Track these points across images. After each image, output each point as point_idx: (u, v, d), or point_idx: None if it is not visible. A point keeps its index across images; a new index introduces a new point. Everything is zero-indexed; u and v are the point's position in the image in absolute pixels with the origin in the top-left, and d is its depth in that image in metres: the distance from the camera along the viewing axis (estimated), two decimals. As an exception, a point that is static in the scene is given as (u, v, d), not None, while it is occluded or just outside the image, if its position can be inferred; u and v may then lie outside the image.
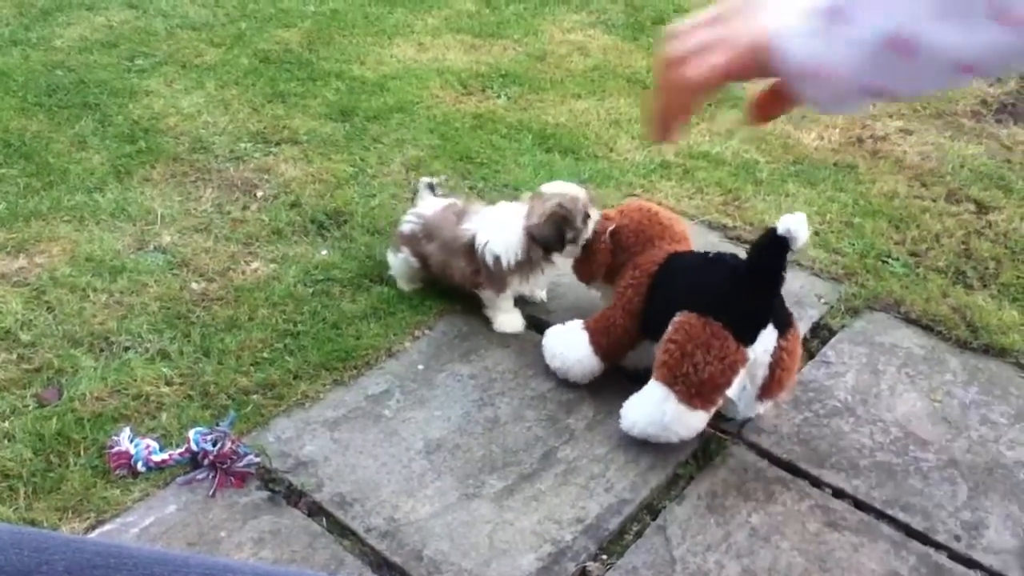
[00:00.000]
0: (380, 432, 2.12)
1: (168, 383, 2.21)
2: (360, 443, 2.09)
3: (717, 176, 3.28)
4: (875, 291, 2.67)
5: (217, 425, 2.04)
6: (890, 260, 2.82)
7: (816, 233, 2.93)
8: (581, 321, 2.29)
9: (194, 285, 2.55)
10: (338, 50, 4.17)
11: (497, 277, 2.40)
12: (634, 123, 3.68)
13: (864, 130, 3.65)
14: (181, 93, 3.69)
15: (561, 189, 2.40)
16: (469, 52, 4.27)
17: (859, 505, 2.01)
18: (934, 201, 3.16)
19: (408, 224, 2.51)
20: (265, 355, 2.31)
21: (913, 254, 2.87)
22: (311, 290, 2.56)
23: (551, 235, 2.33)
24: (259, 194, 3.02)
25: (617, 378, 2.30)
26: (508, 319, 2.49)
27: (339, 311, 2.48)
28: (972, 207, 3.14)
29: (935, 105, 3.91)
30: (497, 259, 2.38)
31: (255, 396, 2.18)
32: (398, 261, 2.55)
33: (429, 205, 2.54)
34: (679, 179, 3.26)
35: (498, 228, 2.40)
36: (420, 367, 2.33)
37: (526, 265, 2.39)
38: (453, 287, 2.52)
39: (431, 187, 2.61)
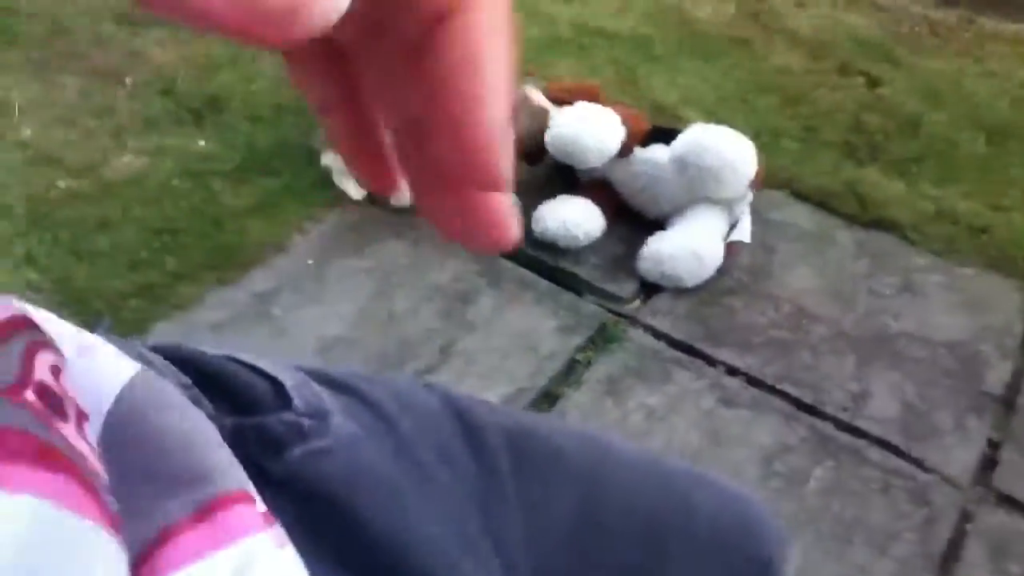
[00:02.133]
0: (269, 332, 2.05)
1: (37, 290, 2.06)
2: (249, 345, 1.99)
3: (613, 53, 3.20)
4: (769, 169, 2.67)
5: (92, 331, 1.92)
6: (783, 137, 2.82)
7: (711, 111, 2.90)
8: None
9: (60, 183, 2.37)
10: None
11: None
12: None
13: (759, 3, 3.60)
14: (32, -31, 3.36)
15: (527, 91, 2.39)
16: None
17: (752, 381, 2.06)
18: (826, 75, 3.16)
19: None
20: (142, 255, 2.18)
21: (806, 129, 2.88)
22: (189, 184, 2.41)
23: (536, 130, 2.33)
24: (128, 81, 2.80)
25: (514, 271, 2.27)
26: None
27: (221, 206, 2.34)
28: (863, 81, 3.15)
29: (828, -24, 3.87)
30: None
31: (133, 300, 2.06)
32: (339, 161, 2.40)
33: None
34: (575, 56, 3.17)
35: None
36: (310, 262, 2.24)
37: None
38: None
39: None
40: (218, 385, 0.56)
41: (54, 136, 2.53)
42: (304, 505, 0.53)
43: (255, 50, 2.93)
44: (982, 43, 3.44)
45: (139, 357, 0.49)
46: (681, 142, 2.27)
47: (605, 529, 0.75)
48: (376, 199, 2.43)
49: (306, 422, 0.56)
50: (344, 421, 0.59)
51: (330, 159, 2.40)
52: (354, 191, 2.40)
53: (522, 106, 2.35)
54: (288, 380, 0.59)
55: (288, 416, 0.56)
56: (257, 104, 2.73)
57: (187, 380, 0.54)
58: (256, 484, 0.47)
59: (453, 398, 0.73)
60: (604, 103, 2.42)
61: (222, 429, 0.48)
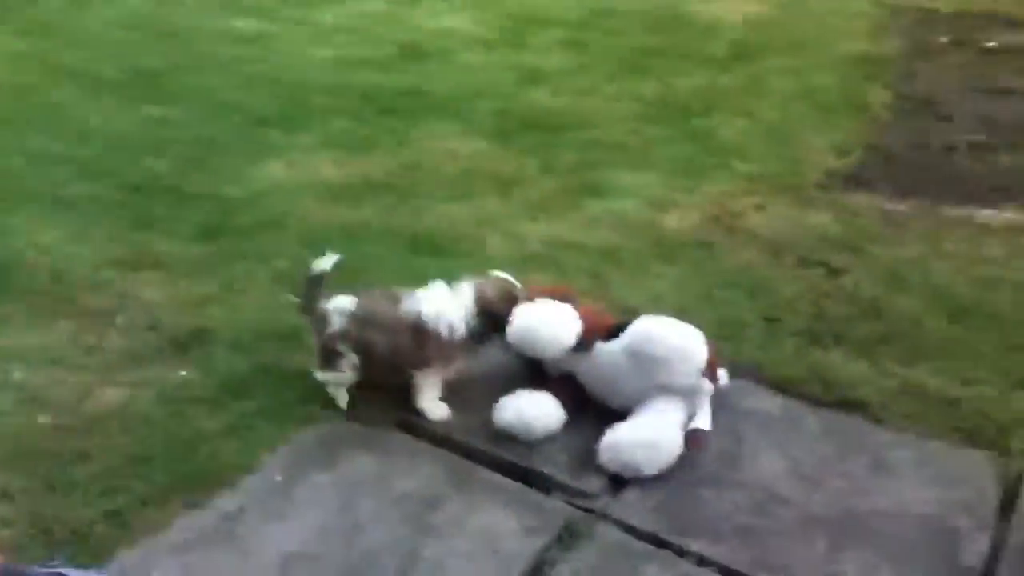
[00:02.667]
0: (233, 552, 2.05)
1: (7, 524, 2.10)
2: (211, 566, 2.01)
3: (584, 263, 3.37)
4: (733, 358, 2.73)
5: (52, 560, 1.94)
6: (747, 327, 2.91)
7: (677, 308, 3.00)
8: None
9: (41, 419, 2.47)
10: (209, 173, 4.19)
11: (446, 348, 2.45)
12: (502, 220, 3.77)
13: (721, 209, 3.81)
14: (42, 228, 3.63)
15: (499, 277, 2.59)
16: (341, 166, 4.34)
17: (723, 571, 2.02)
18: (787, 269, 3.29)
19: (337, 321, 2.47)
20: (113, 483, 2.23)
21: (768, 319, 2.96)
22: (167, 411, 2.50)
23: (505, 311, 2.44)
24: (118, 320, 2.97)
25: (481, 473, 2.30)
26: (440, 407, 2.52)
27: (195, 430, 2.42)
28: (822, 271, 3.27)
29: (787, 179, 4.11)
30: (451, 327, 2.43)
31: (99, 527, 2.09)
32: (337, 371, 2.51)
33: (345, 302, 2.51)
34: (546, 269, 3.33)
35: (445, 302, 2.47)
36: (278, 479, 2.28)
37: (472, 340, 2.47)
38: (379, 383, 2.55)
39: (319, 279, 2.54)
40: None
41: (43, 376, 2.66)
42: None
43: (241, 284, 3.12)
44: (939, 229, 3.59)
45: None
46: (629, 333, 2.37)
47: None
48: (355, 414, 2.51)
49: None
50: None
51: (325, 375, 2.53)
52: (343, 402, 2.53)
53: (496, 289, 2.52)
54: None
55: None
56: (240, 332, 2.87)
57: None
58: None
59: None
60: (577, 303, 2.55)
61: None
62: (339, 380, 2.53)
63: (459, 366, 2.54)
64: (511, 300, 2.49)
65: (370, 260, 3.38)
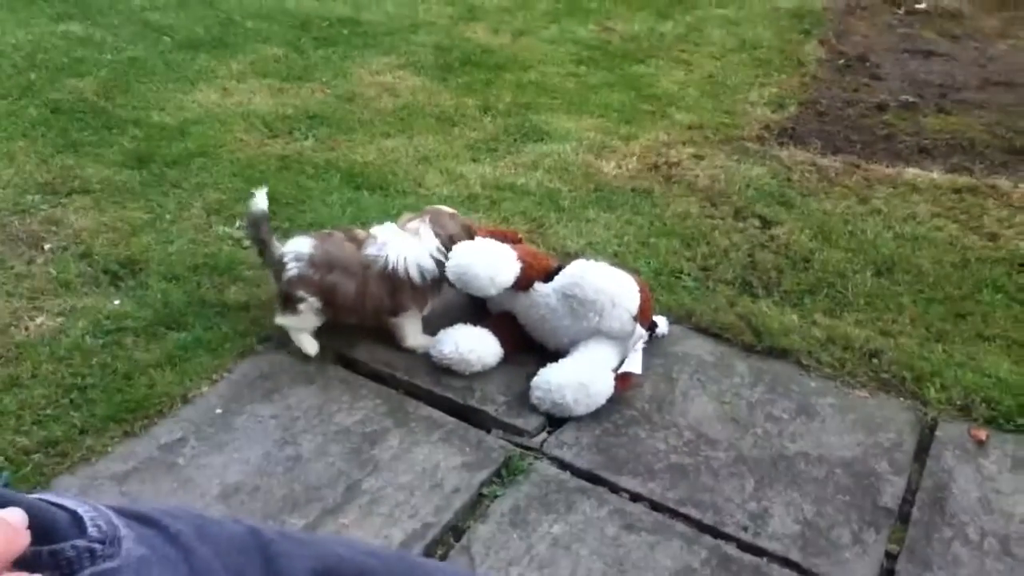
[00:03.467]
0: (173, 481, 2.04)
1: (-63, 450, 2.05)
2: (151, 494, 2.00)
3: (523, 206, 3.38)
4: (669, 305, 2.80)
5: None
6: (682, 275, 2.97)
7: (615, 254, 3.05)
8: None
9: (-32, 345, 2.40)
10: (136, 97, 4.05)
11: (420, 292, 2.44)
12: (442, 159, 3.74)
13: (659, 157, 3.85)
14: (-40, 147, 3.48)
15: (443, 209, 2.59)
16: (276, 95, 4.24)
17: (655, 506, 2.09)
18: (722, 219, 3.36)
19: (293, 268, 2.39)
20: (48, 412, 2.19)
21: (703, 268, 3.03)
22: (101, 341, 2.45)
23: None
24: (46, 246, 2.87)
25: (422, 410, 2.33)
26: (426, 338, 2.51)
27: (131, 361, 2.38)
28: (757, 223, 3.35)
29: (724, 131, 4.17)
30: (420, 269, 2.41)
31: (36, 455, 2.06)
32: (300, 315, 2.43)
33: (300, 243, 2.43)
34: (486, 210, 3.33)
35: (410, 244, 2.44)
36: (218, 411, 2.26)
37: (440, 276, 2.46)
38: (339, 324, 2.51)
39: (260, 218, 2.45)
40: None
41: (-32, 301, 2.57)
42: None
43: (173, 215, 3.05)
44: (868, 185, 3.70)
45: None
46: (562, 275, 2.42)
47: None
48: (294, 347, 2.49)
49: (98, 547, 0.64)
50: (135, 546, 0.67)
51: (286, 320, 2.47)
52: (310, 347, 2.48)
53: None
54: (85, 512, 0.66)
55: (81, 542, 0.63)
56: (173, 264, 2.81)
57: None
58: None
59: (260, 531, 0.80)
60: (519, 244, 2.58)
61: (21, 556, 0.56)
62: (301, 325, 2.47)
63: (433, 303, 2.54)
64: (471, 235, 2.50)
65: (307, 193, 3.33)
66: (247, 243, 2.97)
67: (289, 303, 2.42)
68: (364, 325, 2.52)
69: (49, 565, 0.61)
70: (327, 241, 2.45)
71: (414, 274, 2.41)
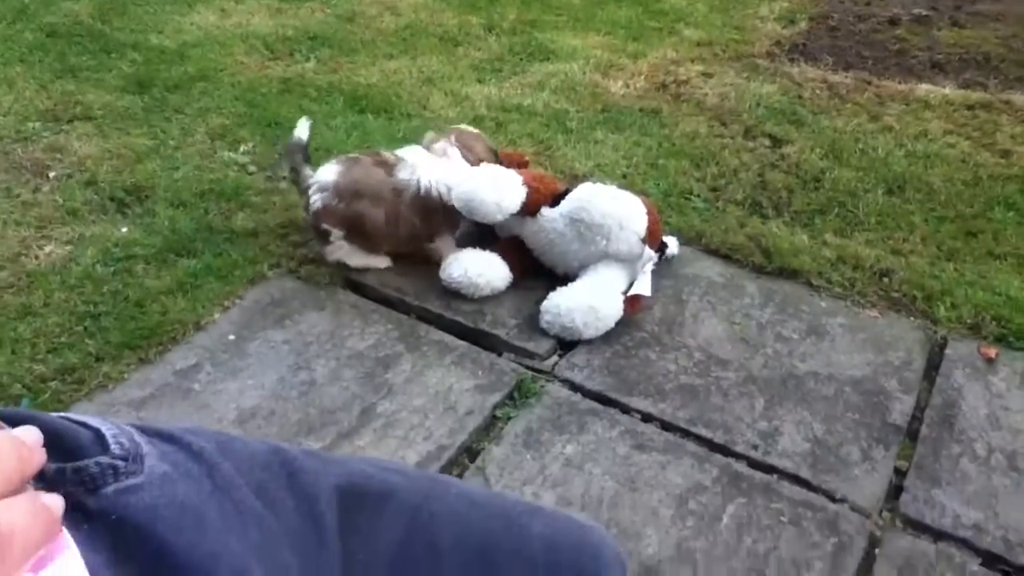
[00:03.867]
0: (190, 406, 2.07)
1: (-46, 378, 2.07)
2: (168, 419, 2.02)
3: (529, 127, 3.34)
4: (678, 227, 2.79)
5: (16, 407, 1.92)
6: (692, 196, 2.95)
7: (624, 176, 3.03)
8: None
9: (-21, 274, 2.40)
10: (133, 20, 3.97)
11: (452, 215, 2.42)
12: (447, 80, 3.69)
13: (667, 75, 3.78)
14: (-42, 73, 3.42)
15: (469, 129, 2.59)
16: (275, 16, 4.16)
17: (665, 426, 2.12)
18: (732, 139, 3.32)
19: (317, 199, 2.35)
20: (63, 340, 2.20)
21: (713, 189, 3.01)
22: (111, 269, 2.45)
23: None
24: (51, 174, 2.85)
25: (433, 334, 2.33)
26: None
27: (142, 288, 2.38)
28: (767, 142, 3.31)
29: (733, 48, 4.09)
30: (451, 192, 2.39)
31: (53, 383, 2.08)
32: (333, 246, 2.43)
33: (326, 172, 2.39)
34: (492, 132, 3.29)
35: (442, 169, 2.42)
36: (231, 337, 2.28)
37: None
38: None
39: (298, 147, 2.46)
40: (48, 437, 0.64)
41: (-25, 230, 2.57)
42: (117, 533, 0.62)
43: (177, 140, 3.02)
44: (880, 102, 3.64)
45: None
46: (569, 199, 2.40)
47: (436, 552, 0.82)
48: (303, 272, 2.49)
49: (121, 463, 0.65)
50: (158, 463, 0.68)
51: (324, 251, 2.47)
52: (380, 262, 2.51)
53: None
54: (107, 430, 0.67)
55: (104, 459, 0.64)
56: (179, 190, 2.79)
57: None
58: (75, 517, 0.57)
59: (283, 449, 0.81)
60: (526, 168, 2.57)
61: (42, 473, 0.57)
62: (343, 257, 2.46)
63: (464, 225, 2.53)
64: (495, 155, 2.49)
65: (311, 116, 3.28)
66: (252, 168, 2.95)
67: (319, 236, 2.41)
68: (398, 252, 2.51)
69: (73, 481, 0.62)
70: (354, 168, 2.41)
71: (447, 197, 2.39)
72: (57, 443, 0.64)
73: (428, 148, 2.49)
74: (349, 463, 0.87)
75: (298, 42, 3.90)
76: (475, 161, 2.46)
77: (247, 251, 2.55)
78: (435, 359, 2.26)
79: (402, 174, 2.40)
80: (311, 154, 2.53)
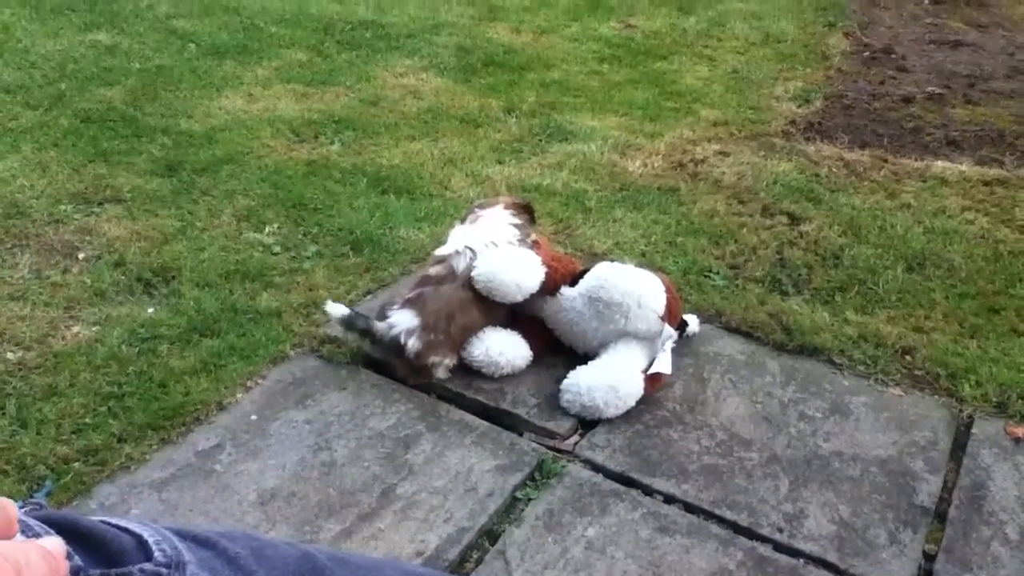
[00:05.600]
0: (211, 488, 2.07)
1: (-21, 460, 2.09)
2: (190, 501, 2.03)
3: (549, 207, 3.38)
4: (698, 304, 2.80)
5: (31, 497, 1.94)
6: (711, 274, 2.97)
7: (643, 254, 3.05)
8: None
9: (9, 355, 2.43)
10: (164, 105, 4.09)
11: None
12: (468, 161, 3.76)
13: (685, 155, 3.84)
14: (-6, 158, 3.53)
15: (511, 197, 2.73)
16: (300, 100, 4.27)
17: (688, 508, 2.09)
18: (750, 216, 3.35)
19: (414, 343, 2.37)
20: (87, 420, 2.22)
21: (732, 267, 3.02)
22: (136, 350, 2.48)
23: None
24: (80, 256, 2.91)
25: (454, 414, 2.34)
26: None
27: (166, 369, 2.41)
28: (785, 220, 3.34)
29: (749, 127, 4.15)
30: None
31: (76, 464, 2.09)
32: (437, 374, 2.46)
33: (403, 317, 2.39)
34: (512, 212, 3.33)
35: (485, 238, 2.53)
36: (253, 417, 2.29)
37: None
38: None
39: (351, 319, 2.43)
40: (89, 542, 0.66)
41: (5, 311, 2.61)
42: None
43: (204, 222, 3.08)
44: (897, 180, 3.67)
45: (20, 524, 0.59)
46: (587, 278, 2.42)
47: None
48: (325, 352, 2.51)
49: (164, 571, 0.66)
50: (199, 571, 0.69)
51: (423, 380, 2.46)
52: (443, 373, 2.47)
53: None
54: (150, 536, 0.68)
55: (148, 566, 0.65)
56: (205, 271, 2.84)
57: (60, 539, 0.63)
58: None
59: (313, 556, 0.82)
60: (547, 249, 2.61)
61: None
62: (445, 374, 2.47)
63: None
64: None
65: (334, 199, 3.35)
66: (277, 249, 3.00)
67: (424, 373, 2.42)
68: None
69: None
70: (420, 297, 2.42)
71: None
72: (100, 548, 0.65)
73: (470, 220, 2.62)
74: (376, 570, 0.87)
75: (323, 125, 4.00)
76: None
77: (270, 331, 2.58)
78: (456, 439, 2.25)
79: (459, 262, 2.45)
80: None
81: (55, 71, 4.38)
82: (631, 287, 2.38)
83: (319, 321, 2.64)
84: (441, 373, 2.44)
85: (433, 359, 2.40)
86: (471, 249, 2.47)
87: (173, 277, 2.82)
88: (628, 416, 2.35)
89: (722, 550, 1.98)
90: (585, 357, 2.46)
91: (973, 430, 2.34)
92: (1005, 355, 2.59)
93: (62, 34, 4.86)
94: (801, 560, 1.97)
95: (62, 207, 3.18)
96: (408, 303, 2.42)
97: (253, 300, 2.72)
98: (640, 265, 2.52)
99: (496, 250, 2.46)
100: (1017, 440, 2.30)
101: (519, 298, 2.42)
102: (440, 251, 2.52)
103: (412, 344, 2.36)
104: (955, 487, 2.17)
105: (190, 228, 3.10)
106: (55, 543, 0.56)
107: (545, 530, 2.01)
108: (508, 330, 2.51)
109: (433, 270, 2.47)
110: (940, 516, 2.10)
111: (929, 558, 1.99)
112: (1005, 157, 3.84)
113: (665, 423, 2.35)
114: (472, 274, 2.42)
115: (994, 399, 2.43)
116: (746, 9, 6.01)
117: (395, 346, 2.38)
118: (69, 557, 0.62)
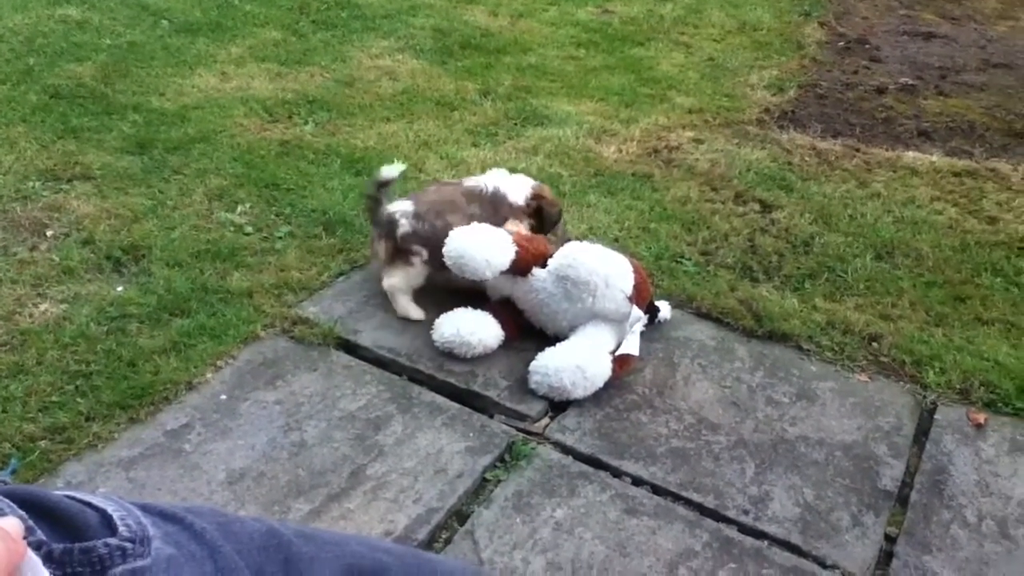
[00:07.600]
0: (179, 467, 2.06)
1: (-57, 437, 2.07)
2: (158, 480, 2.02)
3: (523, 191, 3.37)
4: (669, 290, 2.81)
5: (-5, 474, 1.92)
6: (683, 260, 2.98)
7: (616, 239, 3.06)
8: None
9: (-27, 332, 2.41)
10: (135, 82, 4.04)
11: (519, 210, 2.70)
12: (442, 144, 3.74)
13: (659, 141, 3.85)
14: (-40, 133, 3.47)
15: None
16: (275, 80, 4.23)
17: (656, 490, 2.11)
18: (723, 203, 3.37)
19: (405, 224, 2.57)
20: (54, 399, 2.20)
21: (704, 253, 3.04)
22: (105, 328, 2.46)
23: (551, 215, 2.79)
24: (49, 233, 2.88)
25: (424, 395, 2.34)
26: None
27: (135, 348, 2.39)
28: (757, 207, 3.36)
29: (724, 115, 4.17)
30: (519, 193, 2.72)
31: (42, 442, 2.07)
32: (413, 268, 2.60)
33: (406, 204, 2.61)
34: (486, 195, 3.33)
35: (510, 177, 2.77)
36: (223, 397, 2.28)
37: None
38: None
39: (386, 184, 2.61)
40: (53, 517, 0.66)
41: (-29, 288, 2.58)
42: None
43: (175, 201, 3.05)
44: (868, 169, 3.71)
45: None
46: (556, 257, 2.43)
47: None
48: (296, 333, 2.51)
49: (129, 545, 0.66)
50: (164, 545, 0.69)
51: (395, 279, 2.62)
52: (415, 313, 2.62)
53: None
54: (115, 511, 0.68)
55: (112, 540, 0.65)
56: (176, 250, 2.81)
57: (23, 514, 0.63)
58: None
59: (279, 531, 0.82)
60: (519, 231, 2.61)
61: (49, 553, 0.58)
62: (410, 282, 2.61)
63: (529, 222, 2.73)
64: (553, 206, 2.75)
65: (308, 179, 3.33)
66: (249, 229, 2.98)
67: (403, 257, 2.57)
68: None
69: (80, 562, 0.63)
70: (426, 193, 2.68)
71: (514, 199, 2.66)
72: (64, 523, 0.65)
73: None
74: (341, 544, 0.88)
75: (297, 105, 3.97)
76: (538, 197, 2.73)
77: (241, 311, 2.56)
78: (426, 420, 2.26)
79: (469, 182, 2.68)
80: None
81: (23, 45, 4.31)
82: (598, 266, 2.40)
83: (291, 302, 2.63)
84: (414, 273, 2.60)
85: (416, 247, 2.56)
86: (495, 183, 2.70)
87: (143, 256, 2.79)
88: (598, 399, 2.36)
89: (688, 531, 2.00)
90: (556, 340, 2.47)
91: (936, 416, 2.38)
92: (969, 343, 2.63)
93: (31, 7, 4.77)
94: (765, 542, 2.00)
95: (30, 183, 3.14)
96: (412, 194, 2.68)
97: (224, 280, 2.70)
98: (612, 249, 2.53)
99: (467, 227, 2.47)
100: (978, 426, 2.35)
101: (488, 275, 2.43)
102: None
103: (403, 224, 2.56)
104: (917, 472, 2.21)
105: (161, 207, 3.07)
106: (12, 523, 0.56)
107: (514, 511, 2.03)
108: (480, 310, 2.52)
109: (442, 182, 2.80)
110: (902, 500, 2.14)
111: (890, 540, 2.03)
112: (975, 148, 3.89)
113: (635, 407, 2.37)
114: (444, 248, 2.43)
115: (957, 386, 2.47)
116: (723, -3, 6.03)
117: (389, 223, 2.57)
118: (32, 532, 0.62)
